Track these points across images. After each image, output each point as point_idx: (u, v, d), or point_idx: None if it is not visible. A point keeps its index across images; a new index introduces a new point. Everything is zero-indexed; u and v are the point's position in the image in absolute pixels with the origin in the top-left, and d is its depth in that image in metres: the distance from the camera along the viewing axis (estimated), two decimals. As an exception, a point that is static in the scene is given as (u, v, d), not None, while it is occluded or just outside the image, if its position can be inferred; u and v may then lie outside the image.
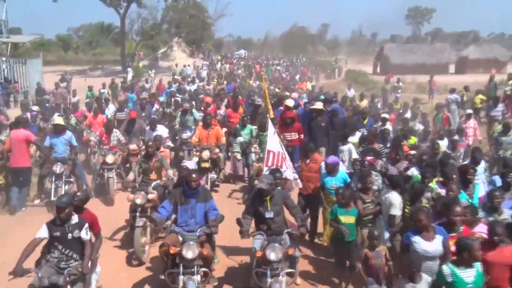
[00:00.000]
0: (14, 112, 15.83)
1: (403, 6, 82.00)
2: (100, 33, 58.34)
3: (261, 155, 9.42)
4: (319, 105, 10.82)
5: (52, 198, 8.89)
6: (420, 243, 4.90)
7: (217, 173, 10.60)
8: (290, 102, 11.44)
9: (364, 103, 16.76)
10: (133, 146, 10.44)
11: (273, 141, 7.55)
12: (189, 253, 5.22)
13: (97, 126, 11.95)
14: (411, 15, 75.47)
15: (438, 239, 4.93)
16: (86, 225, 5.12)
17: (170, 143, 11.26)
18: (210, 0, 58.91)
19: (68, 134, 9.70)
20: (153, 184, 7.62)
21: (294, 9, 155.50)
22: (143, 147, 11.08)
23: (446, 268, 4.46)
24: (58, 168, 9.15)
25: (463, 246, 4.45)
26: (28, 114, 12.90)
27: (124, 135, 10.98)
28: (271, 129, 7.71)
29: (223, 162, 11.12)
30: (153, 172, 7.82)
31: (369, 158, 8.28)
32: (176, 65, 35.05)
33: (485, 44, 40.12)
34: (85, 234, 5.06)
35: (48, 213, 8.65)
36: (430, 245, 4.88)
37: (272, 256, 5.25)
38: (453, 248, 4.85)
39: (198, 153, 10.17)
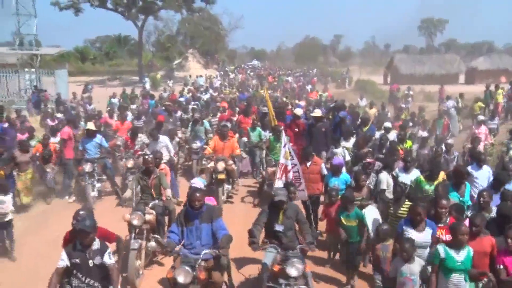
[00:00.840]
0: (36, 119, 17.64)
1: (416, 17, 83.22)
2: (117, 44, 60.76)
3: (272, 161, 10.10)
4: (318, 113, 11.80)
5: (91, 194, 10.20)
6: (411, 234, 5.48)
7: (231, 184, 10.67)
8: (298, 111, 12.47)
9: (373, 111, 17.69)
10: None
11: (282, 153, 7.85)
12: (180, 277, 5.01)
13: (123, 131, 12.84)
14: (424, 26, 76.43)
15: (428, 232, 5.53)
16: (109, 249, 4.85)
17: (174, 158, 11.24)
18: (224, 13, 60.95)
19: (98, 137, 10.82)
20: (151, 204, 7.33)
21: (307, 20, 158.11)
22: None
23: (440, 247, 5.06)
24: (87, 167, 10.24)
25: (453, 230, 5.10)
26: (49, 121, 14.47)
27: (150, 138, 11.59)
28: (283, 141, 8.04)
29: (237, 173, 11.16)
30: (152, 190, 7.53)
31: (370, 160, 9.12)
32: (190, 76, 36.76)
33: (495, 55, 41.13)
34: (109, 258, 4.76)
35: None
36: (420, 236, 5.48)
37: (293, 272, 5.18)
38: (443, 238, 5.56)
39: (211, 163, 10.27)
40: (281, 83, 32.79)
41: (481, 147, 11.50)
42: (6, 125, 13.25)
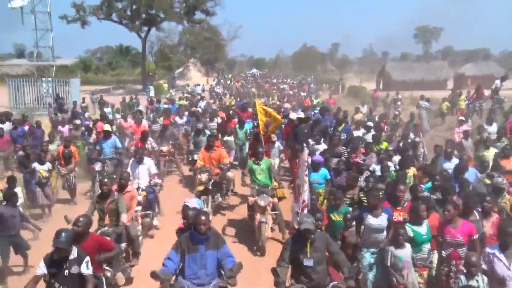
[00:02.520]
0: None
1: (412, 25, 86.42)
2: (119, 55, 64.22)
3: (255, 187, 8.95)
4: (301, 115, 13.59)
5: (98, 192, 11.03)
6: (368, 219, 6.39)
7: (222, 195, 10.32)
8: (293, 116, 13.69)
9: (359, 116, 18.75)
10: (164, 148, 12.74)
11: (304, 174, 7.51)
12: None
13: (140, 133, 13.70)
14: (419, 34, 79.52)
15: (384, 217, 6.37)
16: (87, 258, 4.97)
17: (158, 180, 10.09)
18: (223, 24, 64.46)
19: (113, 138, 11.84)
20: (99, 231, 6.75)
21: (305, 29, 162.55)
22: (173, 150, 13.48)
23: (408, 228, 6.04)
24: (98, 166, 11.18)
25: (413, 209, 6.24)
26: (60, 127, 16.18)
27: (157, 141, 12.98)
28: (303, 168, 7.61)
29: (230, 184, 10.71)
30: (107, 216, 7.00)
31: (357, 159, 9.94)
32: (188, 85, 39.82)
33: (481, 61, 44.23)
34: (86, 268, 4.91)
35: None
36: (376, 220, 6.34)
37: None
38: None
39: (198, 176, 10.02)
40: (278, 91, 35.81)
41: (468, 142, 12.60)
42: (26, 127, 15.56)
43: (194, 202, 6.57)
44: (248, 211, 9.16)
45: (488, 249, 5.49)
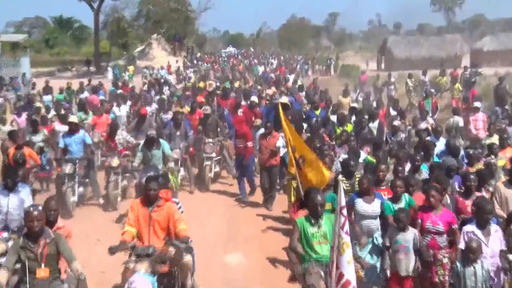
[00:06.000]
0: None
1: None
2: (59, 29, 67.81)
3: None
4: (284, 100, 15.82)
5: (70, 200, 11.36)
6: (360, 204, 7.58)
7: None
8: (255, 99, 16.64)
9: (347, 100, 20.23)
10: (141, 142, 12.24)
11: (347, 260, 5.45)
12: None
13: (101, 126, 14.84)
14: (438, 0, 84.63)
15: (377, 202, 7.59)
16: None
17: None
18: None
19: (81, 132, 12.04)
20: None
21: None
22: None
23: (388, 204, 7.52)
24: (68, 168, 11.32)
25: (392, 186, 7.70)
26: (16, 117, 16.89)
27: (132, 132, 13.36)
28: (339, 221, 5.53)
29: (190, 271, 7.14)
30: (42, 265, 5.80)
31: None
32: (146, 67, 43.71)
33: (502, 34, 46.87)
34: None
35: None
36: (369, 206, 7.56)
37: None
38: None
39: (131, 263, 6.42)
40: (256, 73, 40.66)
41: (480, 135, 14.56)
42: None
43: (142, 280, 5.73)
44: None
45: (466, 228, 6.66)
